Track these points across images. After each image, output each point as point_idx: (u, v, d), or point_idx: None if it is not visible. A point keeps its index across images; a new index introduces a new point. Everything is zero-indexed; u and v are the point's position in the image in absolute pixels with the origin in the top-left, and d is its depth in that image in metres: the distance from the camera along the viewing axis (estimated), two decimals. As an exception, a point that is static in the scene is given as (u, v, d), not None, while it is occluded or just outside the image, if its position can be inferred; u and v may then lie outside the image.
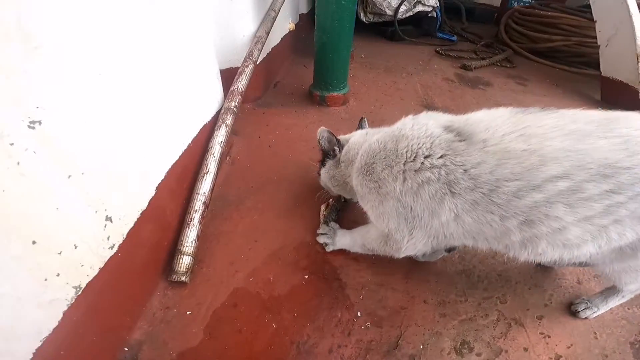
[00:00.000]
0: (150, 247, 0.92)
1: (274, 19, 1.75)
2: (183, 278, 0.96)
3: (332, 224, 1.19)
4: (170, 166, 0.99)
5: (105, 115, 0.71)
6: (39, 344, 0.59)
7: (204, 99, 1.28)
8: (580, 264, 0.97)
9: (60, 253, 0.61)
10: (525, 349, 0.93)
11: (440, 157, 0.77)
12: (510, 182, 0.69)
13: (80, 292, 0.66)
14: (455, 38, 3.35)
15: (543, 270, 1.14)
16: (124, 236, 0.79)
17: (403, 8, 2.98)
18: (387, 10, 2.98)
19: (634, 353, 0.94)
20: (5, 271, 0.53)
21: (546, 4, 3.34)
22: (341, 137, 1.09)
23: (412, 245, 0.89)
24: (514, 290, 1.08)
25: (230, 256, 1.09)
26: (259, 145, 1.63)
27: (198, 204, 1.05)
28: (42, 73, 0.56)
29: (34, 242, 0.56)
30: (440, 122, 0.84)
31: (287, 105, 1.97)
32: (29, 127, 0.54)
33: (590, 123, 0.68)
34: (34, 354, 0.58)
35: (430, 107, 2.11)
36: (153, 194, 0.90)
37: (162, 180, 0.95)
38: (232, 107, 1.32)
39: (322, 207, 1.27)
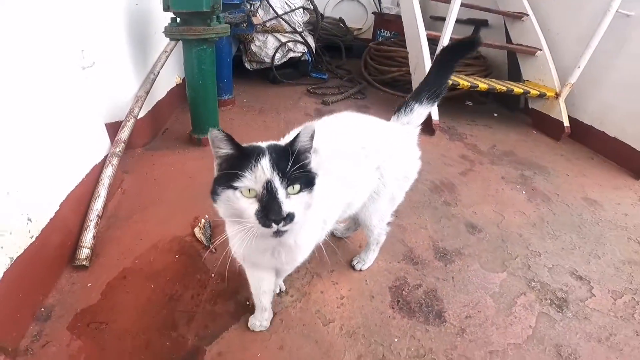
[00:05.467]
0: (58, 244, 1.44)
1: (154, 80, 2.40)
2: (84, 263, 1.48)
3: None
4: (69, 191, 1.54)
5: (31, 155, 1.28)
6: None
7: (93, 147, 1.85)
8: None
9: (2, 235, 1.13)
10: (322, 292, 1.45)
11: None
12: None
13: (13, 262, 1.17)
14: (326, 76, 4.36)
15: (337, 240, 1.76)
16: (39, 231, 1.31)
17: (278, 55, 3.92)
18: (265, 58, 3.90)
19: (392, 294, 1.46)
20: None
21: (395, 40, 4.22)
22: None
23: None
24: (317, 255, 1.65)
25: (121, 249, 1.64)
26: (147, 180, 2.21)
27: (92, 216, 1.60)
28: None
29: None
30: None
31: (171, 148, 2.59)
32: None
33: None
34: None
35: (289, 139, 2.93)
36: (57, 209, 1.44)
37: (64, 200, 1.49)
38: (117, 152, 1.91)
39: (196, 230, 1.70)
